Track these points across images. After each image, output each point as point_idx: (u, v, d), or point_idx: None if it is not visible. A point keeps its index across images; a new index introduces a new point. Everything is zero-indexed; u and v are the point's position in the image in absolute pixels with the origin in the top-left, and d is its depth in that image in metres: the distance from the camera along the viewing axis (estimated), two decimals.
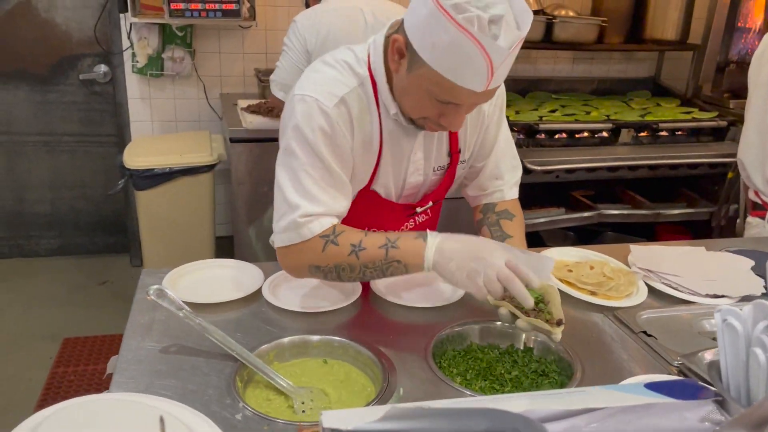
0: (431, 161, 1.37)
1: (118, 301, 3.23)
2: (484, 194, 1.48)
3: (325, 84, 1.22)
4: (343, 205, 1.26)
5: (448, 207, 2.85)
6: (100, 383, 2.59)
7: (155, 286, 1.16)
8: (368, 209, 1.36)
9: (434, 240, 1.16)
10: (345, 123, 1.22)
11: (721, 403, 0.64)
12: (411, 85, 1.15)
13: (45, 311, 3.10)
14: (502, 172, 1.46)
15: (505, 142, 1.46)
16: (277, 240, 1.25)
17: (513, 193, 1.48)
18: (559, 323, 1.11)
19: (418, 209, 1.43)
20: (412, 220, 1.46)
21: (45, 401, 2.46)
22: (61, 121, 3.39)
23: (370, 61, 1.24)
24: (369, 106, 1.25)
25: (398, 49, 1.14)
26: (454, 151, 1.39)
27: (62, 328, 2.96)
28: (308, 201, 1.21)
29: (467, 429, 0.55)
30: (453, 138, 1.37)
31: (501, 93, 1.40)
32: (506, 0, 1.06)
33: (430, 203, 1.44)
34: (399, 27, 1.16)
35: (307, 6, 2.58)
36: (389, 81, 1.22)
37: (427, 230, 1.20)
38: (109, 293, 3.31)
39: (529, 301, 1.09)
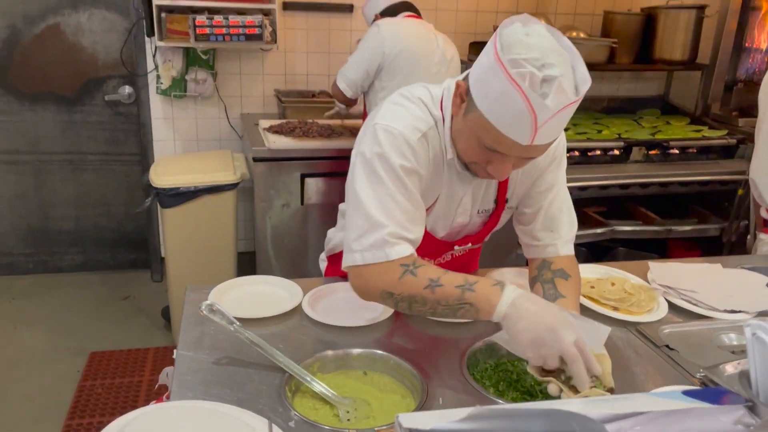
0: (477, 204, 1.41)
1: (141, 316, 3.30)
2: (537, 246, 1.43)
3: (408, 118, 1.27)
4: (421, 234, 1.28)
5: None
6: (128, 396, 2.66)
7: (207, 302, 1.23)
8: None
9: (511, 294, 1.14)
10: (425, 157, 1.27)
11: (752, 408, 0.71)
12: (465, 128, 1.20)
13: (70, 326, 3.18)
14: (557, 226, 1.43)
15: (563, 196, 1.44)
16: (358, 258, 1.23)
17: (568, 249, 1.43)
18: (610, 392, 1.09)
19: (456, 248, 1.47)
20: (450, 254, 1.50)
21: (74, 414, 2.53)
22: (87, 140, 3.49)
23: (443, 103, 1.29)
24: (439, 147, 1.29)
25: (460, 93, 1.20)
26: (501, 200, 1.42)
27: (88, 342, 3.04)
28: (396, 224, 1.22)
29: (551, 429, 0.62)
30: (501, 186, 1.40)
31: (561, 150, 1.41)
32: (568, 64, 1.10)
33: (469, 245, 1.47)
34: (466, 75, 1.22)
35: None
36: (451, 125, 1.28)
37: (507, 282, 1.19)
38: (132, 308, 3.38)
39: (586, 385, 1.07)
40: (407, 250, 1.23)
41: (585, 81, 1.11)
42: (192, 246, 3.00)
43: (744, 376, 0.78)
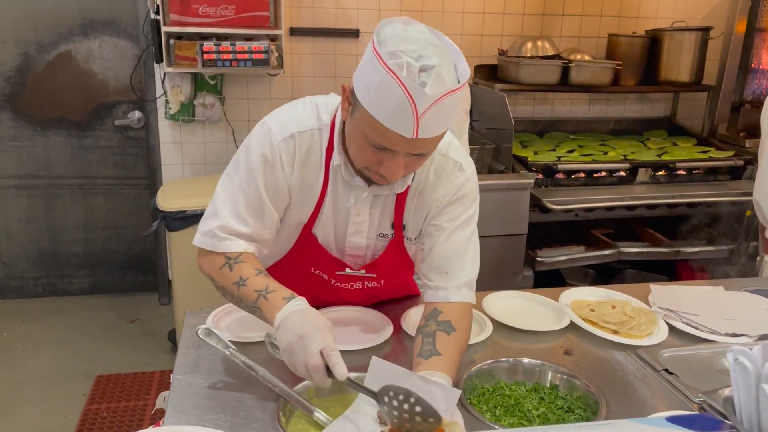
0: (374, 226, 1.38)
1: (148, 339, 3.31)
2: (429, 286, 1.36)
3: (286, 118, 1.30)
4: (262, 234, 1.32)
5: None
6: (132, 420, 2.66)
7: (204, 326, 1.24)
8: (308, 254, 1.42)
9: (289, 308, 1.17)
10: (288, 158, 1.29)
11: None
12: (353, 129, 1.19)
13: (78, 349, 3.19)
14: (453, 269, 1.34)
15: (466, 240, 1.37)
16: (196, 239, 1.34)
17: (460, 296, 1.32)
18: None
19: (348, 270, 1.43)
20: (360, 282, 1.47)
21: None
22: (97, 165, 3.54)
23: (336, 113, 1.30)
24: (320, 152, 1.30)
25: (347, 97, 1.20)
26: (397, 226, 1.38)
27: (95, 366, 3.05)
28: (233, 217, 1.29)
29: None
30: (398, 210, 1.37)
31: (467, 192, 1.37)
32: (445, 57, 1.12)
33: (362, 271, 1.44)
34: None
35: None
36: (342, 132, 1.28)
37: (296, 296, 1.21)
38: (140, 331, 3.40)
39: (327, 385, 1.10)
40: (236, 247, 1.29)
41: (465, 73, 1.13)
42: (198, 269, 3.01)
43: (729, 402, 0.77)
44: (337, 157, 1.28)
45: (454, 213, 1.36)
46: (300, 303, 1.19)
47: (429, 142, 1.15)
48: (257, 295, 1.22)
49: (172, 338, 3.17)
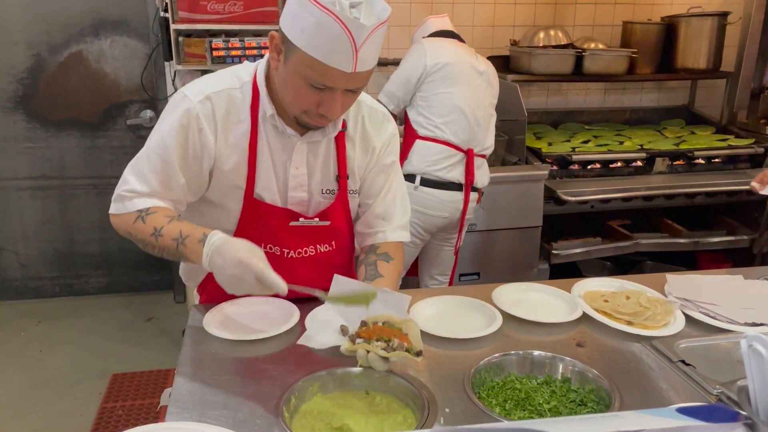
0: (316, 180, 1.43)
1: (164, 337, 3.32)
2: (369, 233, 1.50)
3: (201, 83, 1.35)
4: (168, 197, 1.36)
5: (483, 239, 2.89)
6: (147, 417, 2.67)
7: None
8: (257, 219, 1.42)
9: (209, 249, 1.24)
10: (207, 119, 1.32)
11: (751, 426, 0.66)
12: (288, 74, 1.23)
13: (94, 348, 3.21)
14: (390, 214, 1.50)
15: (397, 185, 1.52)
16: (112, 207, 1.40)
17: (397, 235, 1.50)
18: (418, 354, 1.17)
19: (302, 219, 1.43)
20: (313, 247, 1.47)
21: None
22: (110, 164, 3.56)
23: (257, 71, 1.34)
24: (243, 108, 1.34)
25: (276, 45, 1.24)
26: (341, 176, 1.43)
27: (111, 364, 3.06)
28: (137, 179, 1.34)
29: None
30: (341, 162, 1.43)
31: (394, 137, 1.50)
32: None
33: (316, 220, 1.44)
34: (278, 29, 1.25)
35: None
36: (269, 84, 1.32)
37: (211, 234, 1.26)
38: (155, 330, 3.41)
39: (282, 287, 1.18)
40: (143, 203, 1.34)
41: (385, 9, 1.19)
42: None
43: (743, 391, 0.73)
44: (268, 108, 1.32)
45: (390, 159, 1.49)
46: (214, 240, 1.24)
47: (364, 75, 1.22)
48: (175, 243, 1.28)
49: None
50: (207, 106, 1.31)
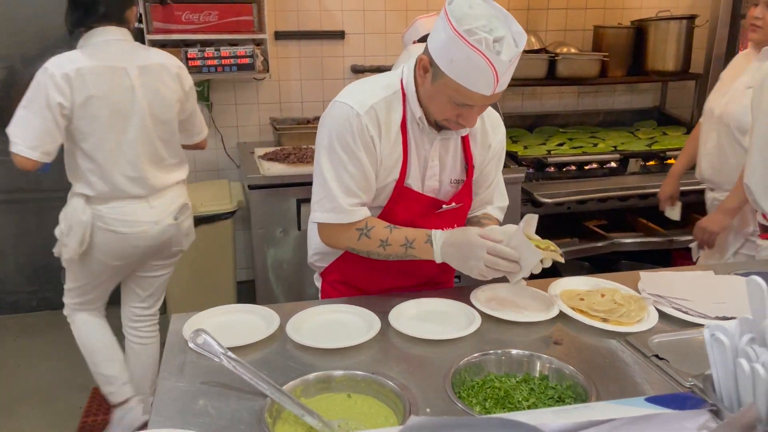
0: (447, 172, 1.63)
1: None
2: (475, 213, 1.76)
3: (363, 94, 1.53)
4: (371, 196, 1.57)
5: None
6: None
7: (195, 330, 1.23)
8: (404, 205, 1.61)
9: (438, 243, 1.49)
10: (374, 126, 1.50)
11: (716, 413, 0.69)
12: (435, 92, 1.45)
13: (74, 362, 3.15)
14: (492, 200, 1.78)
15: (500, 178, 1.79)
16: (320, 217, 1.55)
17: (495, 212, 1.78)
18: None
19: (444, 206, 1.64)
20: (444, 228, 1.61)
21: None
22: None
23: (403, 77, 1.55)
24: (397, 111, 1.54)
25: (423, 66, 1.45)
26: (469, 166, 1.65)
27: (91, 378, 3.01)
28: (345, 193, 1.51)
29: None
30: (468, 154, 1.64)
31: (504, 136, 1.72)
32: (506, 25, 1.36)
33: (453, 204, 1.66)
34: (424, 51, 1.46)
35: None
36: (417, 92, 1.51)
37: (432, 233, 1.51)
38: None
39: (515, 267, 1.44)
40: (358, 215, 1.53)
41: (521, 35, 1.37)
42: (191, 276, 3.01)
43: (708, 380, 0.76)
44: (417, 111, 1.52)
45: (500, 155, 1.72)
46: (438, 236, 1.50)
47: (500, 93, 1.43)
48: (404, 248, 1.52)
49: None
50: (372, 115, 1.50)
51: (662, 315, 1.47)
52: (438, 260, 1.50)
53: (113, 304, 3.74)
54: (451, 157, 1.62)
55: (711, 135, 2.50)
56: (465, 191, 1.67)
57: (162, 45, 3.03)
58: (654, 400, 0.71)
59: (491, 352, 1.32)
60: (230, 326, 1.44)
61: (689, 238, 3.26)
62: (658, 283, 1.59)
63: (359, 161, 1.50)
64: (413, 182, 1.60)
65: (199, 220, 2.86)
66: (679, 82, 3.82)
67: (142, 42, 3.01)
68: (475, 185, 1.70)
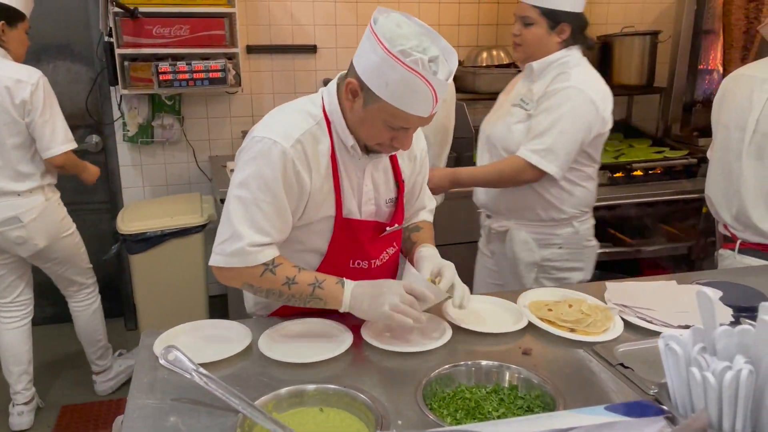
0: (381, 193, 1.57)
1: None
2: (410, 222, 1.73)
3: (283, 127, 1.41)
4: (285, 235, 1.47)
5: (448, 207, 2.92)
6: None
7: (166, 346, 1.23)
8: (349, 237, 1.53)
9: (349, 287, 1.42)
10: (301, 161, 1.40)
11: (671, 419, 0.72)
12: (368, 117, 1.37)
13: (42, 380, 3.11)
14: (425, 204, 1.77)
15: (426, 182, 1.77)
16: (220, 261, 1.43)
17: (429, 217, 1.77)
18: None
19: (388, 228, 1.59)
20: (387, 251, 1.64)
21: None
22: None
23: (325, 104, 1.45)
24: (324, 142, 1.44)
25: (352, 90, 1.36)
26: (400, 182, 1.60)
27: (59, 396, 2.97)
28: (255, 231, 1.40)
29: None
30: (397, 171, 1.60)
31: (424, 146, 1.69)
32: (436, 44, 1.32)
33: (396, 225, 1.62)
34: (349, 72, 1.38)
35: None
36: (345, 118, 1.43)
37: (344, 279, 1.44)
38: None
39: (432, 300, 1.42)
40: (269, 255, 1.42)
41: (452, 52, 1.33)
42: (162, 291, 2.98)
43: (663, 388, 0.79)
44: (349, 139, 1.44)
45: (425, 162, 1.70)
46: (350, 282, 1.43)
47: (433, 115, 1.37)
48: (311, 287, 1.42)
49: None
50: (298, 148, 1.40)
51: (627, 324, 1.51)
52: (345, 305, 1.41)
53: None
54: (383, 178, 1.57)
55: (484, 156, 2.29)
56: (399, 209, 1.63)
57: (133, 59, 3.02)
58: (613, 408, 0.74)
59: (462, 363, 1.34)
60: (202, 342, 1.44)
61: (657, 247, 3.35)
62: (624, 293, 1.63)
63: (276, 199, 1.39)
64: (350, 213, 1.52)
65: (170, 235, 2.84)
66: (644, 95, 3.91)
67: (112, 56, 3.00)
68: (409, 196, 1.67)
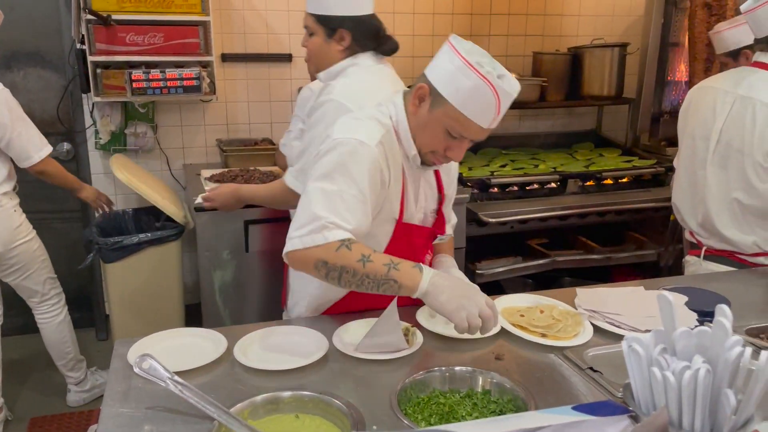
0: (429, 203, 1.69)
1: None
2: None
3: (363, 130, 1.49)
4: (363, 228, 1.47)
5: None
6: None
7: (140, 355, 1.22)
8: (406, 241, 1.62)
9: (428, 273, 1.40)
10: (384, 160, 1.49)
11: (635, 418, 0.75)
12: (431, 121, 1.46)
13: (10, 392, 3.05)
14: (451, 218, 1.87)
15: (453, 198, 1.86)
16: (297, 243, 1.42)
17: (450, 231, 1.87)
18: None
19: (438, 235, 1.72)
20: (426, 256, 1.73)
21: None
22: (25, 199, 3.38)
23: (391, 114, 1.54)
24: (397, 149, 1.54)
25: (421, 94, 1.46)
26: (442, 193, 1.72)
27: (29, 409, 2.92)
28: (334, 216, 1.41)
29: None
30: (439, 184, 1.72)
31: (456, 164, 1.78)
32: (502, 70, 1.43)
33: (447, 235, 1.77)
34: (420, 79, 1.48)
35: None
36: (408, 124, 1.52)
37: (421, 264, 1.42)
38: None
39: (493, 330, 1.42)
40: (344, 234, 1.40)
41: (516, 83, 1.44)
42: (137, 301, 2.95)
43: (627, 388, 0.82)
44: (412, 149, 1.53)
45: (456, 175, 1.82)
46: (430, 269, 1.41)
47: (489, 131, 1.46)
48: (387, 267, 1.38)
49: None
50: (381, 149, 1.48)
51: (597, 329, 1.54)
52: (421, 289, 1.38)
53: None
54: (430, 190, 1.68)
55: None
56: (441, 218, 1.74)
57: (105, 66, 3.00)
58: (580, 408, 0.76)
59: (436, 369, 1.36)
60: (177, 350, 1.44)
61: (627, 254, 3.42)
62: (593, 299, 1.67)
63: (360, 193, 1.44)
64: (410, 218, 1.63)
65: (146, 243, 2.82)
66: (613, 106, 4.00)
67: (84, 63, 2.98)
68: (446, 209, 1.78)
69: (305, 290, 1.74)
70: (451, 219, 1.88)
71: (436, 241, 1.77)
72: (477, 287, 1.41)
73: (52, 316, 2.90)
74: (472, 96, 1.39)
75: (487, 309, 1.35)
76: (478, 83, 1.37)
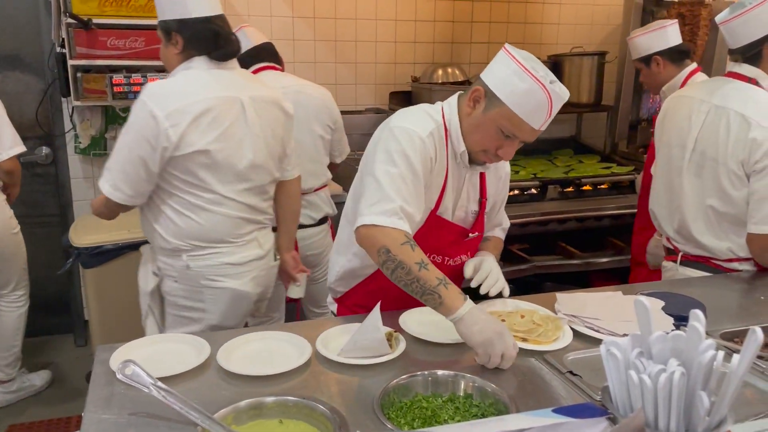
0: (470, 203, 1.76)
1: (64, 383, 3.16)
2: (485, 235, 1.90)
3: (417, 121, 1.61)
4: (418, 214, 1.59)
5: None
6: None
7: (123, 360, 1.22)
8: (436, 234, 1.70)
9: (470, 303, 1.44)
10: (432, 150, 1.60)
11: (613, 420, 0.77)
12: (484, 122, 1.55)
13: None
14: (502, 221, 1.96)
15: (504, 201, 1.95)
16: (374, 219, 1.51)
17: (501, 235, 1.97)
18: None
19: (470, 234, 1.77)
20: (461, 256, 1.79)
21: None
22: None
23: (444, 113, 1.64)
24: (443, 144, 1.63)
25: (476, 96, 1.56)
26: (483, 198, 1.78)
27: (6, 416, 2.88)
28: (402, 199, 1.52)
29: None
30: (483, 188, 1.78)
31: (509, 167, 1.88)
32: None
33: (476, 233, 1.81)
34: (476, 82, 1.58)
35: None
36: (461, 126, 1.61)
37: (466, 295, 1.47)
38: (54, 376, 3.23)
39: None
40: (408, 227, 1.52)
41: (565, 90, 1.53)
42: (117, 307, 2.92)
43: (606, 391, 0.84)
44: (461, 146, 1.62)
45: (508, 184, 1.90)
46: (471, 301, 1.45)
47: (539, 132, 1.55)
48: (438, 281, 1.44)
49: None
50: (431, 140, 1.59)
51: (576, 333, 1.57)
52: (459, 314, 1.41)
53: (32, 335, 3.59)
54: (473, 191, 1.75)
55: None
56: (480, 221, 1.80)
57: (86, 70, 2.97)
58: (560, 410, 0.78)
59: (418, 373, 1.38)
60: (160, 356, 1.44)
61: (606, 260, 3.47)
62: (573, 304, 1.70)
63: (416, 178, 1.56)
64: (444, 212, 1.69)
65: (126, 248, 2.80)
66: (592, 113, 4.06)
67: (64, 67, 2.96)
68: (490, 212, 1.85)
69: (337, 263, 1.85)
70: (503, 222, 1.97)
71: (482, 240, 1.86)
72: (507, 329, 1.43)
73: (17, 306, 2.97)
74: (526, 98, 1.47)
75: (511, 351, 1.39)
76: (533, 86, 1.46)
